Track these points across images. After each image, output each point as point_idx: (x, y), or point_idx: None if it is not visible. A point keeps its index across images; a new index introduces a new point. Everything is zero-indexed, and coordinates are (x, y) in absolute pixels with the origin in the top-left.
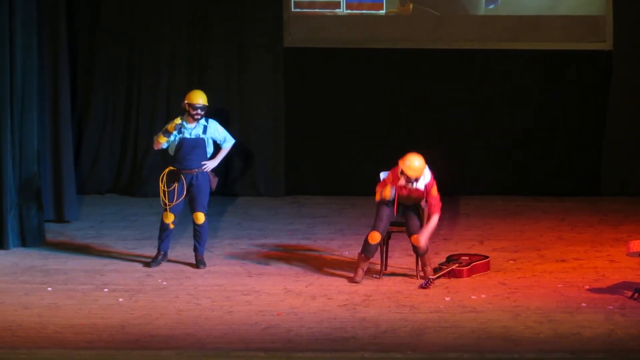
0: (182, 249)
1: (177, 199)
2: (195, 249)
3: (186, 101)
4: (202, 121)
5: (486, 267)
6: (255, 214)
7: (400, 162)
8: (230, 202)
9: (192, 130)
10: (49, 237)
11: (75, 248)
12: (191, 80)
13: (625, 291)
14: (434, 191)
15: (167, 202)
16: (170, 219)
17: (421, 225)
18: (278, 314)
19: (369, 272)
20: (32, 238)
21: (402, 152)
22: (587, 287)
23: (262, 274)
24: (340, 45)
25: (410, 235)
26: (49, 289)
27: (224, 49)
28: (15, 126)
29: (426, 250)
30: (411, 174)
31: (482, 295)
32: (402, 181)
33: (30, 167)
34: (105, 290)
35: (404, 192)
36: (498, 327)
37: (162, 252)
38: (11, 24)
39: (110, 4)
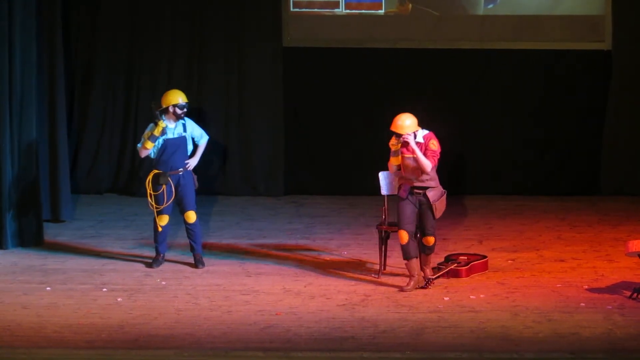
0: (180, 249)
1: (167, 201)
2: (192, 249)
3: (172, 103)
4: (181, 119)
5: (484, 267)
6: (254, 214)
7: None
8: (229, 202)
9: (174, 130)
10: (48, 237)
11: (74, 248)
12: (190, 80)
13: (624, 291)
14: (432, 144)
15: (156, 205)
16: (164, 221)
17: (435, 226)
18: (277, 314)
19: (367, 272)
20: (30, 238)
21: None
22: (586, 286)
23: (261, 274)
24: (339, 45)
25: (423, 235)
26: (48, 288)
27: (223, 48)
28: (13, 126)
29: (440, 209)
30: (397, 130)
31: (481, 295)
32: (393, 141)
33: (29, 167)
34: (104, 290)
35: (406, 152)
36: (497, 327)
37: (161, 254)
38: (10, 24)
39: (109, 4)
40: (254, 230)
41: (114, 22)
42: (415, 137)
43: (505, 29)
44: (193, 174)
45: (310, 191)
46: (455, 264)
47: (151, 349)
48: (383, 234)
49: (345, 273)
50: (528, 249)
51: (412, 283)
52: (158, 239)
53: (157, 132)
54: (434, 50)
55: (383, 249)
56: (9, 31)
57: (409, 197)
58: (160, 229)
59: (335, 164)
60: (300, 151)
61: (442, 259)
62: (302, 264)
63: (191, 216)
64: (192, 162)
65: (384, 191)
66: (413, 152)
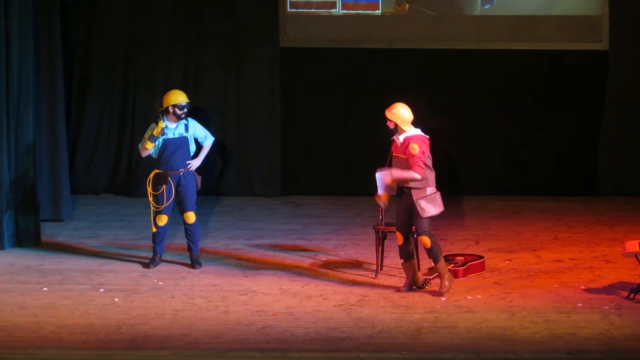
0: (177, 249)
1: (167, 201)
2: (190, 249)
3: (172, 103)
4: (182, 120)
5: (481, 267)
6: (251, 214)
7: None
8: (226, 202)
9: (175, 130)
10: (45, 237)
11: (71, 248)
12: (187, 80)
13: (621, 291)
14: (412, 149)
15: (156, 205)
16: (163, 221)
17: (424, 226)
18: (274, 314)
19: (364, 272)
20: (27, 238)
21: None
22: (583, 287)
23: (258, 274)
24: (336, 45)
25: (418, 235)
26: (45, 289)
27: (220, 49)
28: (11, 127)
29: (427, 210)
30: (386, 112)
31: (478, 296)
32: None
33: (26, 167)
34: (101, 290)
35: (395, 152)
36: (494, 327)
37: (158, 254)
38: (7, 24)
39: (107, 4)
40: (251, 230)
41: (111, 23)
42: (397, 131)
43: (502, 29)
44: (196, 174)
45: (307, 191)
46: (452, 265)
47: (148, 349)
48: (380, 234)
49: (342, 273)
50: (525, 249)
51: (406, 284)
52: (156, 239)
53: (156, 132)
54: (431, 50)
55: (380, 249)
56: (6, 31)
57: (401, 197)
58: (154, 229)
59: (332, 165)
60: (297, 152)
61: None
62: (299, 264)
63: (191, 217)
64: (195, 163)
65: (380, 191)
66: (407, 153)
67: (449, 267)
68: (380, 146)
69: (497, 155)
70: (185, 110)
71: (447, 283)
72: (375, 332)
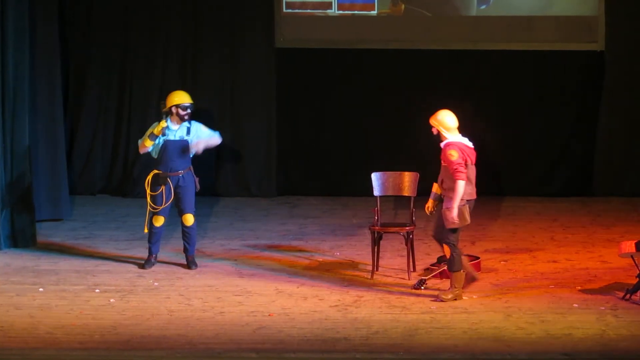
0: (173, 250)
1: (165, 202)
2: (186, 250)
3: (174, 103)
4: (185, 123)
5: (477, 268)
6: (247, 215)
7: None
8: (222, 203)
9: (176, 132)
10: (41, 237)
11: (66, 249)
12: (184, 81)
13: (617, 292)
14: (450, 155)
15: (154, 206)
16: (160, 222)
17: (447, 236)
18: (269, 315)
19: (360, 273)
20: (23, 239)
21: (395, 153)
22: (579, 288)
23: (253, 275)
24: (331, 45)
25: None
26: (41, 289)
27: (216, 49)
28: (6, 128)
29: (454, 222)
30: (430, 121)
31: (474, 296)
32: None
33: (22, 168)
34: (97, 290)
35: (444, 162)
36: (490, 328)
37: (154, 255)
38: (2, 24)
39: (103, 5)
40: (247, 231)
41: (107, 24)
42: (440, 139)
43: (498, 29)
44: (194, 176)
45: (303, 192)
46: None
47: (144, 349)
48: (375, 235)
49: (338, 274)
50: (521, 250)
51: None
52: (151, 239)
53: (156, 131)
54: (426, 51)
55: (375, 250)
56: (2, 32)
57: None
58: (146, 230)
59: (328, 165)
60: (293, 152)
61: (435, 260)
62: (294, 265)
63: (189, 219)
64: (200, 144)
65: (376, 192)
66: (445, 160)
67: (445, 268)
68: (376, 147)
69: (492, 156)
70: (189, 111)
71: (451, 295)
72: (371, 332)
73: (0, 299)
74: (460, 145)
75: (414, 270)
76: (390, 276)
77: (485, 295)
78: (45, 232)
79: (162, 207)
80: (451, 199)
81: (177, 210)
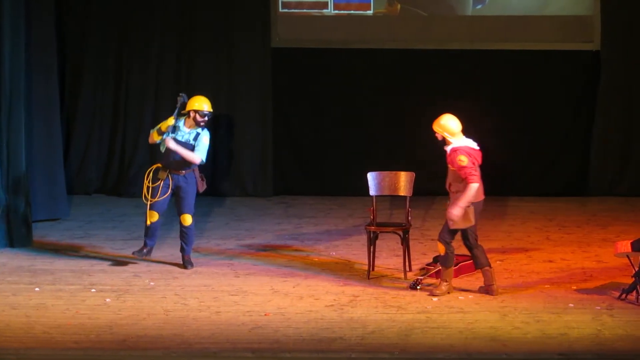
0: (169, 250)
1: (160, 196)
2: (182, 250)
3: (194, 108)
4: (198, 128)
5: (473, 268)
6: (243, 215)
7: None
8: (218, 203)
9: (185, 134)
10: (37, 237)
11: (62, 248)
12: (179, 81)
13: (613, 292)
14: (459, 161)
15: (149, 197)
16: (154, 217)
17: (445, 235)
18: (265, 314)
19: (356, 272)
20: (19, 239)
21: (391, 153)
22: (575, 287)
23: (249, 275)
24: (327, 45)
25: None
26: (37, 289)
27: (212, 49)
28: (2, 127)
29: (456, 222)
30: (433, 127)
31: (470, 296)
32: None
33: (18, 168)
34: (93, 290)
35: (450, 166)
36: (485, 328)
37: (148, 247)
38: None
39: (99, 5)
40: (243, 230)
41: (103, 24)
42: (445, 144)
43: (493, 29)
44: (199, 177)
45: (299, 192)
46: None
47: (140, 349)
48: (371, 234)
49: (334, 274)
50: (517, 249)
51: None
52: (147, 233)
53: (163, 127)
54: (422, 50)
55: (371, 249)
56: None
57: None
58: (148, 223)
59: (324, 165)
60: (289, 152)
61: (431, 260)
62: (290, 264)
63: (187, 219)
64: (172, 144)
65: (372, 192)
66: (455, 165)
67: (439, 268)
68: (372, 146)
69: (488, 156)
70: (206, 118)
71: (444, 288)
72: (366, 332)
73: None
74: (467, 150)
75: (410, 270)
76: (386, 276)
77: (481, 295)
78: (41, 232)
79: (156, 200)
80: (457, 199)
81: (176, 209)
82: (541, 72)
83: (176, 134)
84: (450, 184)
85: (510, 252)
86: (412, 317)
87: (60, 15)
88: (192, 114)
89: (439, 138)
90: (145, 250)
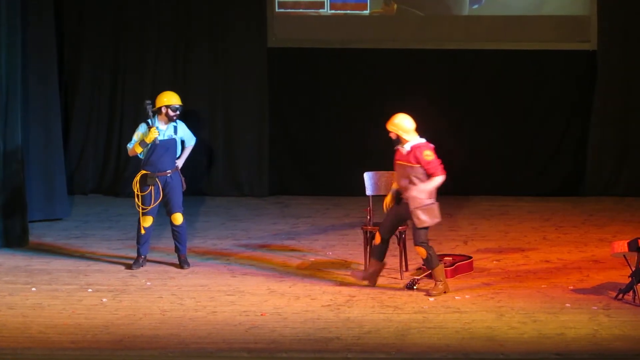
0: (165, 250)
1: (154, 202)
2: (177, 250)
3: (164, 104)
4: (173, 122)
5: (470, 268)
6: (239, 214)
7: None
8: (214, 203)
9: (165, 132)
10: (33, 237)
11: (59, 248)
12: (175, 81)
13: (610, 292)
14: (426, 156)
15: (142, 206)
16: (148, 222)
17: (421, 237)
18: (262, 314)
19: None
20: (16, 239)
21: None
22: (572, 287)
23: (245, 274)
24: (324, 45)
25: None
26: (33, 289)
27: (208, 48)
28: None
29: (423, 220)
30: (387, 124)
31: (466, 296)
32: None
33: (14, 168)
34: (89, 290)
35: (398, 160)
36: (482, 328)
37: (142, 256)
38: None
39: (95, 5)
40: (239, 230)
41: (99, 24)
42: (400, 142)
43: (490, 29)
44: (181, 175)
45: (295, 192)
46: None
47: (136, 349)
48: (368, 234)
49: (330, 274)
50: (513, 249)
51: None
52: (140, 240)
53: (148, 140)
54: (419, 50)
55: (368, 249)
56: None
57: (399, 204)
58: (143, 232)
59: (320, 165)
60: (285, 152)
61: None
62: (287, 264)
63: (178, 218)
64: (179, 163)
65: (369, 192)
66: (421, 161)
67: (428, 272)
68: (369, 147)
69: (485, 155)
70: (178, 112)
71: (440, 287)
72: (363, 332)
73: None
74: (430, 145)
75: (407, 270)
76: (383, 276)
77: (478, 295)
78: (38, 232)
79: (151, 207)
80: (415, 198)
81: (166, 210)
82: (538, 71)
83: (156, 138)
84: (404, 183)
85: (507, 252)
86: (409, 317)
87: (57, 16)
88: (164, 110)
89: (393, 137)
90: (140, 261)
